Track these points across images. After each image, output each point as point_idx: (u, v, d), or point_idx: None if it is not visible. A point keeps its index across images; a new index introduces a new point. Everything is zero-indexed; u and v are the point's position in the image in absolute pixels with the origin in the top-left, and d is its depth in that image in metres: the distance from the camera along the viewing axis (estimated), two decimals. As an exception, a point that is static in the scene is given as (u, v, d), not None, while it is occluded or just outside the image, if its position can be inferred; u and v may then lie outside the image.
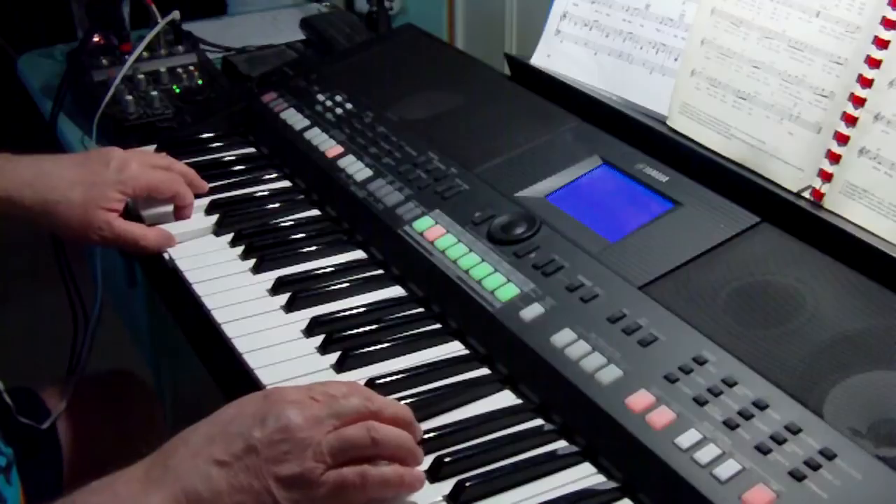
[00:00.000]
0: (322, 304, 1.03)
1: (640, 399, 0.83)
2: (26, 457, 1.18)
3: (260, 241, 1.13)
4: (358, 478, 0.77)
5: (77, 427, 1.32)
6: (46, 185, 1.12)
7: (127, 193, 1.15)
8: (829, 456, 0.76)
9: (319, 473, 0.76)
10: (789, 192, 1.04)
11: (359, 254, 1.12)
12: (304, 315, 1.01)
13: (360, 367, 0.94)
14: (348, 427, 0.79)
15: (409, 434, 0.82)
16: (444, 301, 1.01)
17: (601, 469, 0.83)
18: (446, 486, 0.81)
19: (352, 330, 0.98)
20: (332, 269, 1.09)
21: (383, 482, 0.78)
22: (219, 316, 1.02)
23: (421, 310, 1.02)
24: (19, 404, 1.25)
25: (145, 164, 1.18)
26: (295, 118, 1.33)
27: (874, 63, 0.99)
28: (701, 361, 0.85)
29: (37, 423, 1.27)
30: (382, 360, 0.95)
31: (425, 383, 0.92)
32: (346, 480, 0.77)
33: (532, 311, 0.94)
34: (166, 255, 1.13)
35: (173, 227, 1.17)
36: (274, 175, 1.28)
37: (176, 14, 1.55)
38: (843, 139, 1.01)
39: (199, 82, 1.53)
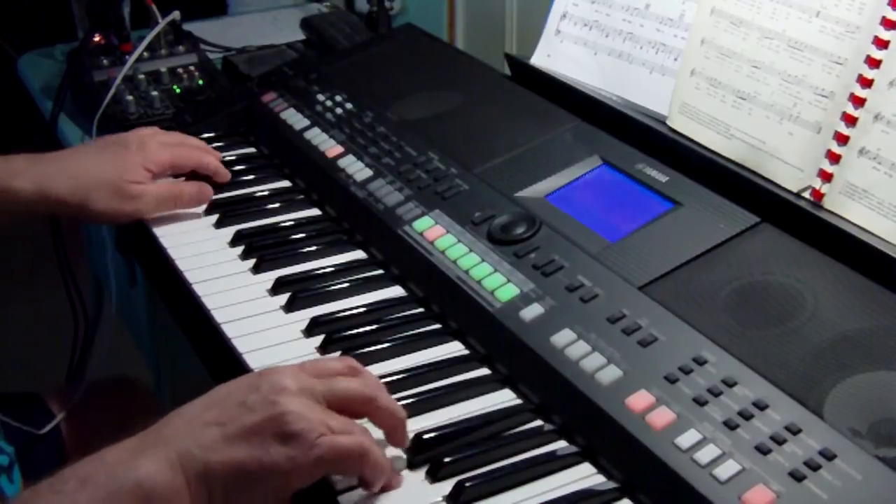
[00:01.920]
0: (322, 304, 1.03)
1: (639, 399, 0.83)
2: (29, 459, 1.18)
3: (260, 241, 1.13)
4: (357, 447, 0.77)
5: (80, 432, 1.32)
6: (77, 175, 1.14)
7: (151, 171, 1.17)
8: (828, 456, 0.76)
9: (316, 435, 0.76)
10: (789, 192, 1.04)
11: (359, 254, 1.12)
12: (304, 315, 1.01)
13: (360, 367, 0.94)
14: (348, 383, 0.80)
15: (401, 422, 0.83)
16: (444, 301, 1.01)
17: (601, 469, 0.83)
18: (446, 486, 0.81)
19: (352, 330, 0.98)
20: (332, 269, 1.09)
21: (376, 462, 0.78)
22: (219, 316, 1.01)
23: (421, 310, 1.02)
24: (22, 407, 1.25)
25: (161, 143, 1.21)
26: (295, 118, 1.33)
27: (874, 63, 0.99)
28: (701, 362, 0.85)
29: (38, 427, 1.27)
30: (382, 360, 0.95)
31: (425, 383, 0.92)
32: (343, 446, 0.76)
33: (532, 312, 0.94)
34: (167, 255, 1.13)
35: (174, 228, 1.17)
36: (274, 175, 1.28)
37: (176, 14, 1.55)
38: (843, 139, 1.01)
39: (200, 82, 1.53)
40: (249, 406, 0.77)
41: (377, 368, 0.94)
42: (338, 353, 0.95)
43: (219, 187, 1.24)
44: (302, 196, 1.24)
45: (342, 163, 1.22)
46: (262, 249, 1.11)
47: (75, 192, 1.13)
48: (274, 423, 0.76)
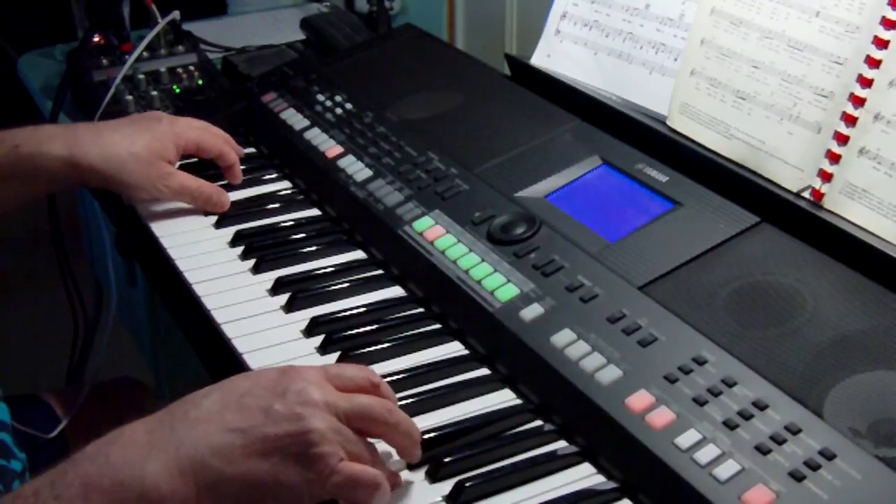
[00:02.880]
0: (322, 304, 1.03)
1: (639, 399, 0.83)
2: (35, 465, 1.17)
3: (260, 242, 1.13)
4: (371, 481, 0.75)
5: (86, 436, 1.31)
6: (109, 144, 1.15)
7: (179, 146, 1.19)
8: (828, 456, 0.76)
9: (337, 460, 0.74)
10: (789, 192, 1.04)
11: (359, 254, 1.12)
12: (304, 315, 1.01)
13: (360, 367, 0.94)
14: (372, 405, 0.78)
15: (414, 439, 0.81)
16: (444, 301, 1.01)
17: (601, 469, 0.83)
18: (446, 486, 0.81)
19: (351, 330, 0.98)
20: (332, 269, 1.09)
21: (384, 495, 0.76)
22: (219, 316, 1.01)
23: (421, 310, 1.02)
24: (26, 412, 1.24)
25: (189, 124, 1.23)
26: (295, 118, 1.33)
27: (874, 63, 0.99)
28: (701, 361, 0.85)
29: (44, 432, 1.27)
30: (382, 360, 0.95)
31: (425, 383, 0.92)
32: (359, 477, 0.75)
33: (532, 312, 0.94)
34: (167, 255, 1.13)
35: (174, 228, 1.17)
36: (274, 175, 1.28)
37: (176, 14, 1.55)
38: (842, 139, 1.01)
39: (199, 82, 1.53)
40: (273, 416, 0.74)
41: (377, 368, 0.94)
42: (338, 354, 0.95)
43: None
44: (302, 196, 1.24)
45: (342, 163, 1.22)
46: (261, 249, 1.11)
47: (108, 161, 1.14)
48: (297, 441, 0.73)
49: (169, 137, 1.18)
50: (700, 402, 0.82)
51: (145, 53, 1.53)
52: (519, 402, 0.90)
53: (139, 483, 0.72)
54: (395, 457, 0.83)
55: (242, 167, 1.29)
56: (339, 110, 1.31)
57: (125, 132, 1.17)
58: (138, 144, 1.15)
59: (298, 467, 0.73)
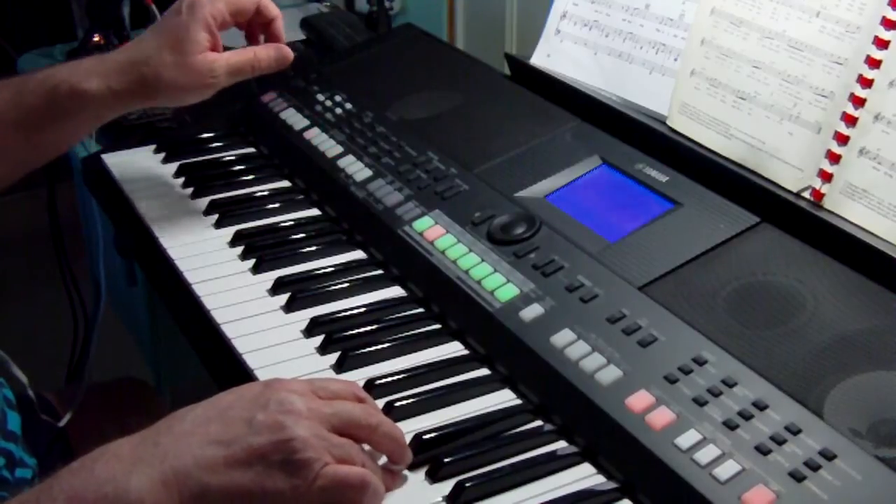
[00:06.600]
0: (322, 304, 1.03)
1: (639, 399, 0.83)
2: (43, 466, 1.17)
3: (260, 241, 1.13)
4: (358, 479, 0.76)
5: (88, 437, 1.31)
6: (138, 61, 1.10)
7: (211, 26, 1.12)
8: (828, 456, 0.76)
9: (321, 465, 0.74)
10: (789, 192, 1.04)
11: (358, 254, 1.12)
12: (304, 315, 1.01)
13: (360, 367, 0.94)
14: (353, 409, 0.79)
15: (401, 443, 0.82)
16: (444, 301, 1.01)
17: (601, 469, 0.83)
18: (446, 486, 0.81)
19: (351, 330, 0.98)
20: (332, 269, 1.09)
21: (375, 492, 0.77)
22: (218, 316, 1.02)
23: (421, 310, 1.02)
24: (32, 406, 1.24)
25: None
26: (295, 118, 1.33)
27: (874, 63, 0.99)
28: (701, 362, 0.85)
29: (48, 429, 1.26)
30: (382, 360, 0.95)
31: (425, 383, 0.92)
32: (345, 478, 0.75)
33: (532, 312, 0.94)
34: (167, 255, 1.13)
35: (174, 228, 1.17)
36: (274, 175, 1.28)
37: (176, 14, 1.55)
38: (843, 139, 1.01)
39: (199, 82, 1.52)
40: (255, 426, 0.74)
41: (377, 368, 0.94)
42: (337, 354, 0.95)
43: (218, 188, 1.24)
44: (302, 196, 1.24)
45: (342, 163, 1.22)
46: (261, 249, 1.11)
47: (145, 84, 1.10)
48: (280, 449, 0.74)
49: (194, 29, 1.10)
50: (700, 403, 0.82)
51: (145, 53, 1.52)
52: (519, 402, 0.90)
53: (124, 496, 0.72)
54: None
55: (241, 167, 1.29)
56: (339, 110, 1.31)
57: (151, 46, 1.11)
58: (166, 52, 1.09)
59: (283, 475, 0.73)
